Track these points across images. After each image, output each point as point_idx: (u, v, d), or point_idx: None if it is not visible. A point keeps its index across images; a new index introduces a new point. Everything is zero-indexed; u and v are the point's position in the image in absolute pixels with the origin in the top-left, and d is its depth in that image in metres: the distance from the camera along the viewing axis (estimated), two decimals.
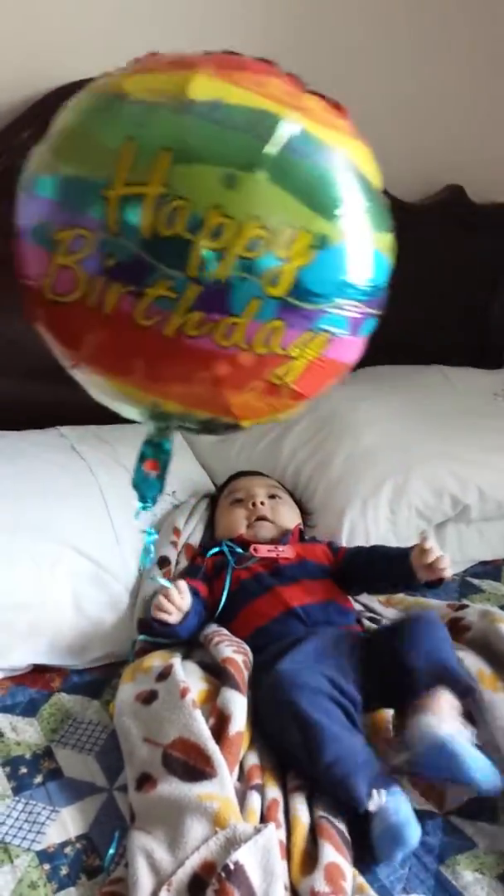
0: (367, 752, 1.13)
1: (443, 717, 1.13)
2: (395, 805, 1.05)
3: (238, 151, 0.75)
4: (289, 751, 1.14)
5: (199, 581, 1.45)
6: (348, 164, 0.81)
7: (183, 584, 1.35)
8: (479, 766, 1.09)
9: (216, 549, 1.51)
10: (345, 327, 0.83)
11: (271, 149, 0.75)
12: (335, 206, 0.79)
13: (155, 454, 0.97)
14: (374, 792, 1.06)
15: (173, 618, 1.31)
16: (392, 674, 1.21)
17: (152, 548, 1.21)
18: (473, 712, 1.23)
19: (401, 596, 1.58)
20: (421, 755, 1.11)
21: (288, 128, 0.77)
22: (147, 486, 0.99)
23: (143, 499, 1.00)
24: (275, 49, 1.84)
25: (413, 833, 1.04)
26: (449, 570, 1.37)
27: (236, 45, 1.83)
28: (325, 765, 1.08)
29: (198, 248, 0.74)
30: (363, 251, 0.82)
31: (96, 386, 0.92)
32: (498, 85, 2.20)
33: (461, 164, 2.19)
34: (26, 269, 0.84)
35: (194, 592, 1.40)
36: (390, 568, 1.44)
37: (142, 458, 0.98)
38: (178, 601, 1.31)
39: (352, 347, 0.88)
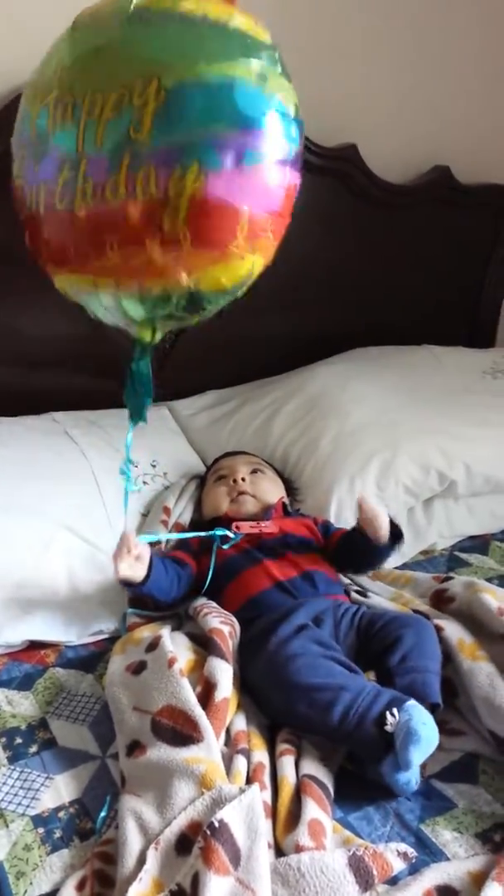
0: (374, 687, 1.16)
1: None
2: (409, 715, 1.10)
3: (107, 43, 0.91)
4: (304, 721, 1.18)
5: (183, 552, 1.48)
6: (200, 22, 0.90)
7: (131, 536, 1.34)
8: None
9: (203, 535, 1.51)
10: (215, 160, 0.88)
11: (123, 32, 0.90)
12: (181, 51, 0.88)
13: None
14: (388, 714, 1.10)
15: (138, 571, 1.32)
16: (375, 669, 1.26)
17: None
18: (455, 681, 1.27)
19: (387, 569, 1.62)
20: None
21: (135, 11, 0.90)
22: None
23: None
24: (269, 32, 1.86)
25: (429, 732, 1.08)
26: (384, 521, 1.42)
27: None
28: (337, 722, 1.13)
29: (81, 126, 0.87)
30: (219, 83, 0.88)
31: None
32: (482, 68, 2.20)
33: (447, 146, 2.20)
34: None
35: (178, 561, 1.44)
36: (354, 541, 1.49)
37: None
38: (133, 545, 1.32)
39: (235, 186, 0.90)
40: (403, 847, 1.02)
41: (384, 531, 1.43)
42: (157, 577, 1.36)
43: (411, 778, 1.11)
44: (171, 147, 0.86)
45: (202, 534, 1.49)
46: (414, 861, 1.02)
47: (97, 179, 0.89)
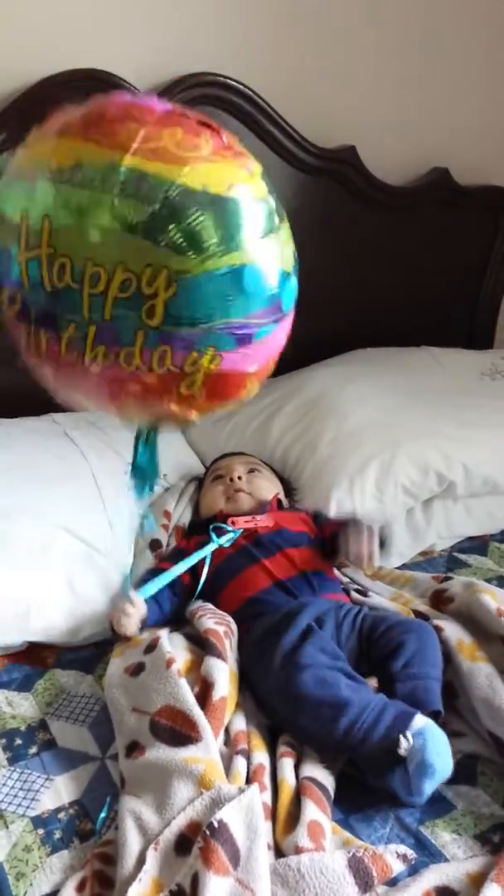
0: (380, 700, 1.15)
1: None
2: (423, 742, 1.08)
3: (98, 211, 0.83)
4: (307, 733, 1.17)
5: (175, 564, 1.46)
6: (199, 198, 0.84)
7: (138, 599, 1.35)
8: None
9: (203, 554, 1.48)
10: (230, 343, 0.89)
11: (117, 202, 0.82)
12: (188, 244, 0.83)
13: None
14: (402, 737, 1.08)
15: (132, 630, 1.33)
16: (377, 674, 1.26)
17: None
18: (454, 682, 1.27)
19: (387, 570, 1.62)
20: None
21: (128, 174, 0.82)
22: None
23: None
24: (269, 34, 1.87)
25: (443, 763, 1.08)
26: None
27: (224, 23, 1.82)
28: (341, 736, 1.11)
29: (84, 294, 0.84)
30: (228, 273, 0.86)
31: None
32: (481, 70, 2.21)
33: (446, 147, 2.20)
34: None
35: (171, 582, 1.42)
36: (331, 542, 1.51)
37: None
38: (133, 612, 1.33)
39: (247, 357, 0.92)
40: (403, 848, 1.03)
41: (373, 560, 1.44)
42: (152, 618, 1.37)
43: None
44: (186, 334, 0.86)
45: (201, 554, 1.46)
46: (413, 862, 1.02)
47: (109, 346, 0.86)
